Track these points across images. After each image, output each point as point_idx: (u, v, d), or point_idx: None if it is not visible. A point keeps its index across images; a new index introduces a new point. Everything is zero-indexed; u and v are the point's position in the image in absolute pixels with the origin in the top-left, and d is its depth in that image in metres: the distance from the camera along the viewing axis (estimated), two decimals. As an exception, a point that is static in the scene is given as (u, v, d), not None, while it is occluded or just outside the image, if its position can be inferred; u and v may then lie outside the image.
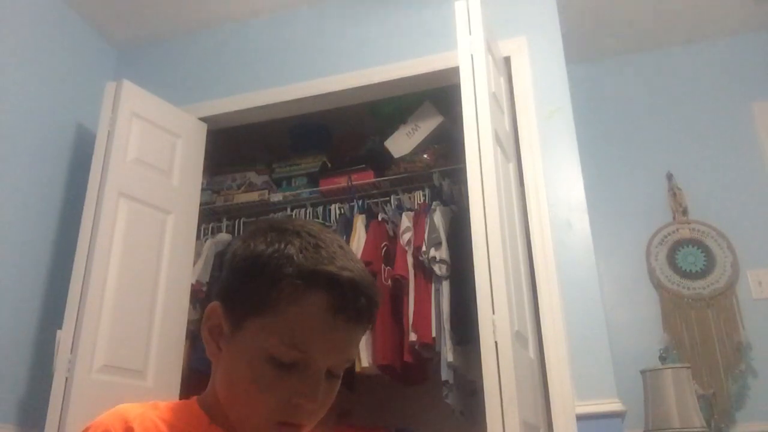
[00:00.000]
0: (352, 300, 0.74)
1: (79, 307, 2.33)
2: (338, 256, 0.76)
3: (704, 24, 3.17)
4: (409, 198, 3.07)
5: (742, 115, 3.11)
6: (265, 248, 0.76)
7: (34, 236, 2.64)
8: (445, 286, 2.64)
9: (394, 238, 2.90)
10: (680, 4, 3.04)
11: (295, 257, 0.74)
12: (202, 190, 3.03)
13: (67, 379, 2.24)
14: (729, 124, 3.11)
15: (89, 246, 2.42)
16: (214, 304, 0.80)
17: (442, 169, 3.00)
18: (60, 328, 2.34)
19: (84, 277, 2.37)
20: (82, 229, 2.46)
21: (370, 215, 3.06)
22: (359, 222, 2.98)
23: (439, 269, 2.64)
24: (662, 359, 2.61)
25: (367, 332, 2.72)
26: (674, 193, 3.03)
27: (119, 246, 2.49)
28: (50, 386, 2.25)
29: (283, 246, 0.75)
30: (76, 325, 2.31)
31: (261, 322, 0.74)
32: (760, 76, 3.14)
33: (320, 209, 3.21)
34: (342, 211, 3.15)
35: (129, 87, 2.69)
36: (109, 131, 2.59)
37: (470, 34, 2.18)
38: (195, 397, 0.85)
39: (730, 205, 2.97)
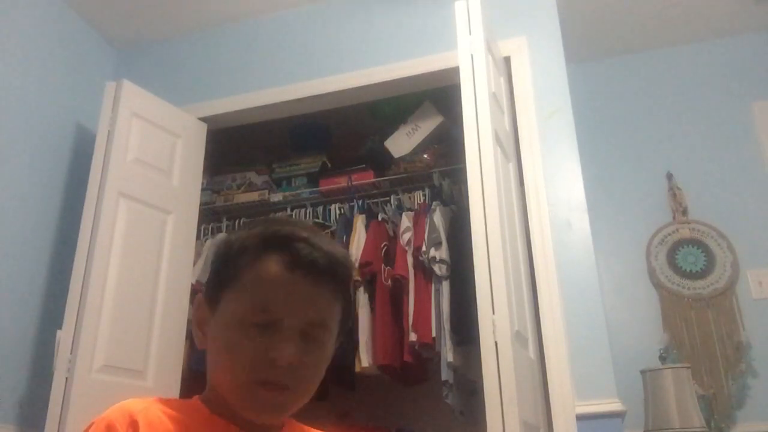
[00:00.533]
0: (307, 258, 0.79)
1: (79, 307, 2.33)
2: (303, 230, 0.82)
3: (704, 24, 3.17)
4: (409, 198, 3.07)
5: (742, 114, 3.11)
6: (237, 236, 0.84)
7: (34, 236, 2.64)
8: (445, 286, 2.64)
9: (394, 238, 2.90)
10: (680, 4, 3.03)
11: (258, 233, 0.82)
12: (202, 190, 3.03)
13: (67, 379, 2.24)
14: (729, 123, 3.11)
15: (89, 246, 2.42)
16: (198, 296, 0.87)
17: (442, 169, 3.01)
18: (60, 328, 2.34)
19: (84, 277, 2.37)
20: (82, 229, 2.46)
21: (370, 215, 3.06)
22: (359, 222, 2.98)
23: (439, 269, 2.64)
24: (662, 359, 2.61)
25: (367, 332, 2.73)
26: (674, 193, 3.03)
27: (119, 246, 2.49)
28: (50, 386, 2.25)
29: (249, 229, 0.84)
30: (76, 325, 2.31)
31: (231, 294, 0.80)
32: (760, 76, 3.14)
33: (320, 209, 3.21)
34: (342, 211, 3.15)
35: (129, 87, 2.69)
36: (109, 131, 2.59)
37: (470, 34, 2.18)
38: (197, 396, 0.87)
39: (730, 205, 2.97)
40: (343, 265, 0.83)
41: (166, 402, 0.84)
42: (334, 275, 0.81)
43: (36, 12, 2.82)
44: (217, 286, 0.83)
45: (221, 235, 3.22)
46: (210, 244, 3.13)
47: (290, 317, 0.78)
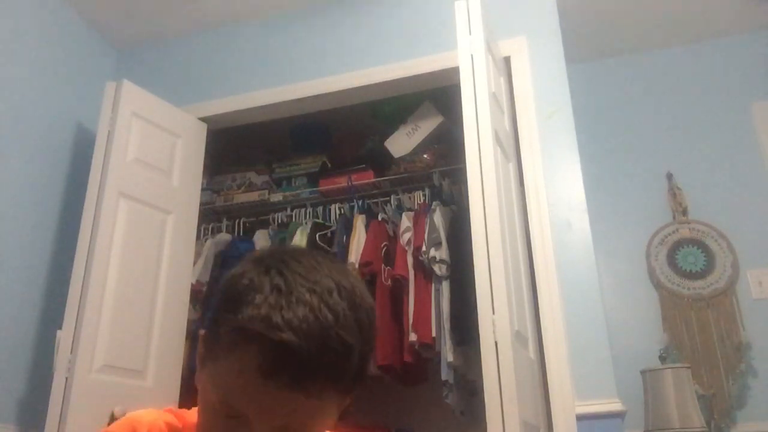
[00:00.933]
0: (284, 367, 0.63)
1: (79, 307, 2.33)
2: (294, 305, 0.65)
3: (704, 24, 3.17)
4: (409, 198, 3.07)
5: (742, 115, 3.11)
6: (233, 284, 0.70)
7: (34, 236, 2.64)
8: (445, 286, 2.64)
9: (394, 238, 2.90)
10: (680, 4, 3.04)
11: (243, 304, 0.66)
12: (202, 190, 3.03)
13: (67, 378, 2.24)
14: (729, 124, 3.11)
15: (89, 246, 2.42)
16: (202, 332, 0.76)
17: (442, 169, 3.01)
18: (60, 328, 2.34)
19: (84, 277, 2.37)
20: (82, 229, 2.47)
21: (370, 215, 3.06)
22: (359, 222, 2.98)
23: (439, 269, 2.64)
24: (662, 359, 2.61)
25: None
26: (674, 193, 3.03)
27: (119, 246, 2.49)
28: (50, 386, 2.25)
29: (245, 284, 0.68)
30: (76, 325, 2.31)
31: (210, 369, 0.69)
32: (759, 77, 3.14)
33: (320, 209, 3.21)
34: (342, 211, 3.15)
35: (129, 87, 2.69)
36: (109, 131, 2.59)
37: (470, 34, 2.18)
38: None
39: (730, 205, 2.98)
40: (340, 354, 0.65)
41: (177, 414, 0.82)
42: (320, 377, 0.64)
43: (36, 12, 2.82)
44: (208, 343, 0.71)
45: (222, 235, 3.22)
46: (210, 244, 3.13)
47: (260, 424, 0.66)
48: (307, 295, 0.66)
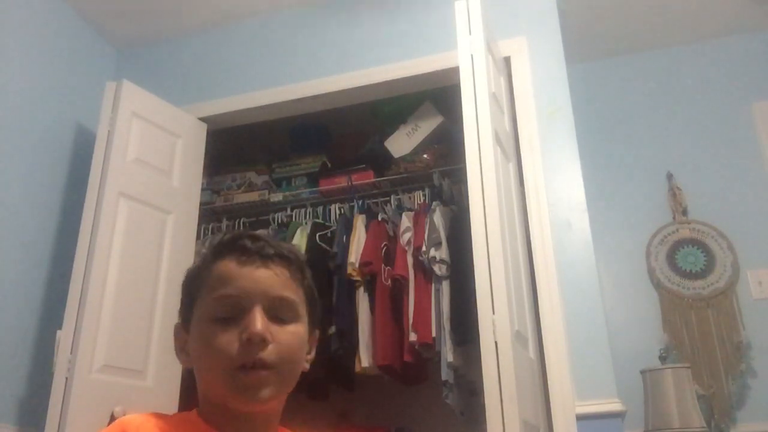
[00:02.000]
0: (254, 247, 0.86)
1: (79, 307, 2.33)
2: (249, 233, 0.89)
3: (704, 24, 3.17)
4: (409, 198, 3.07)
5: (742, 115, 3.11)
6: (190, 270, 0.93)
7: (33, 236, 2.64)
8: (445, 286, 2.64)
9: (394, 238, 2.90)
10: (680, 4, 3.04)
11: (207, 249, 0.90)
12: (202, 190, 3.03)
13: (66, 379, 2.24)
14: (729, 124, 3.12)
15: (89, 246, 2.42)
16: (175, 325, 0.94)
17: (442, 169, 3.01)
18: (60, 328, 2.34)
19: (84, 277, 2.37)
20: (82, 229, 2.46)
21: (370, 215, 3.06)
22: (359, 222, 2.98)
23: (439, 269, 2.64)
24: (662, 359, 2.61)
25: (367, 333, 2.73)
26: (674, 193, 3.03)
27: (119, 246, 2.49)
28: (50, 386, 2.25)
29: (206, 249, 0.91)
30: (76, 325, 2.31)
31: (199, 304, 0.86)
32: (760, 77, 3.14)
33: (320, 209, 3.21)
34: (342, 211, 3.15)
35: (129, 87, 2.69)
36: (109, 131, 2.59)
37: (470, 34, 2.18)
38: (195, 409, 0.89)
39: (730, 205, 2.98)
40: (292, 252, 0.89)
41: (164, 417, 0.85)
42: (284, 259, 0.87)
43: (36, 11, 2.82)
44: (188, 306, 0.89)
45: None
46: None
47: (250, 299, 0.83)
48: (254, 233, 0.91)
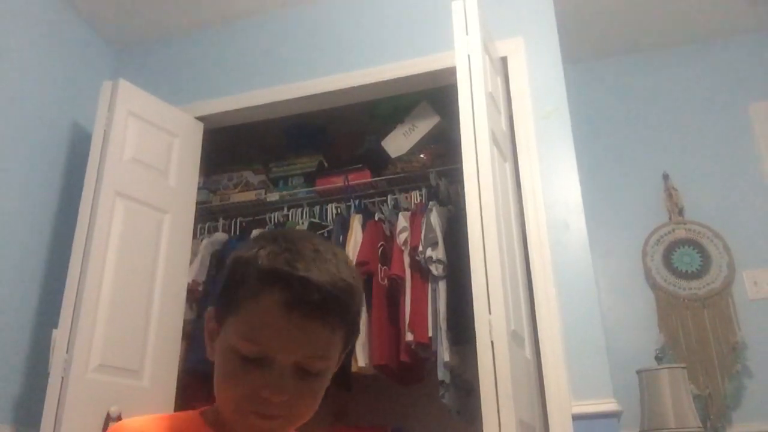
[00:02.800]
0: (306, 297, 0.76)
1: (75, 307, 2.33)
2: (305, 259, 0.78)
3: (700, 26, 3.18)
4: (406, 198, 3.07)
5: (738, 116, 3.12)
6: (242, 254, 0.82)
7: (29, 235, 2.63)
8: (442, 286, 2.64)
9: (391, 238, 2.90)
10: (676, 5, 3.04)
11: (260, 260, 0.79)
12: (199, 189, 3.02)
13: (62, 378, 2.23)
14: (725, 125, 3.12)
15: (85, 245, 2.41)
16: (210, 309, 0.86)
17: (439, 169, 3.01)
18: (56, 327, 2.34)
19: (80, 276, 2.37)
20: (78, 228, 2.46)
21: (367, 215, 3.06)
22: (356, 222, 2.98)
23: (436, 269, 2.65)
24: (658, 359, 2.62)
25: (364, 332, 2.73)
26: (670, 193, 3.04)
27: (115, 245, 2.48)
28: (46, 386, 2.25)
29: (255, 251, 0.80)
30: (72, 324, 2.30)
31: (231, 321, 0.79)
32: (755, 78, 3.15)
33: (317, 209, 3.20)
34: (339, 211, 3.15)
35: (126, 86, 2.68)
36: (105, 130, 2.59)
37: (467, 34, 2.19)
38: (202, 408, 0.88)
39: (726, 205, 2.98)
40: (346, 293, 0.80)
41: (166, 419, 0.85)
42: (333, 308, 0.78)
43: (33, 10, 2.81)
44: (223, 307, 0.82)
45: (218, 235, 3.22)
46: (206, 243, 3.13)
47: (283, 356, 0.76)
48: (312, 254, 0.80)
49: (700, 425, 2.42)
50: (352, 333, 0.85)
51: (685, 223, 3.00)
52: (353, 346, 2.69)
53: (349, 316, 0.81)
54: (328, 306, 0.77)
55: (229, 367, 0.78)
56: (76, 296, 2.34)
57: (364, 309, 2.75)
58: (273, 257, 0.78)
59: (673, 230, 3.01)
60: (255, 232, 3.15)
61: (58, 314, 2.35)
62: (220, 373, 0.80)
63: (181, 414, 0.88)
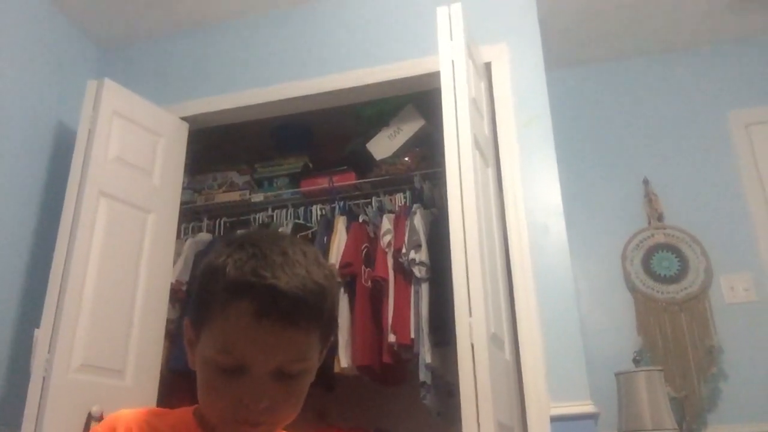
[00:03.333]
0: (274, 305, 0.76)
1: (57, 306, 2.32)
2: (273, 265, 0.78)
3: (682, 33, 3.23)
4: (390, 200, 3.09)
5: (718, 123, 3.17)
6: (210, 263, 0.82)
7: (12, 234, 2.62)
8: (425, 288, 2.66)
9: (375, 240, 2.91)
10: (658, 13, 3.09)
11: (227, 271, 0.78)
12: (183, 189, 3.02)
13: (44, 378, 2.23)
14: (705, 132, 3.18)
15: (68, 245, 2.41)
16: (186, 319, 0.86)
17: (423, 172, 3.03)
18: (38, 326, 2.33)
19: (63, 275, 2.36)
20: (61, 227, 2.45)
21: (352, 217, 3.07)
22: (340, 223, 3.00)
23: (419, 271, 2.67)
24: (636, 362, 2.66)
25: (347, 333, 2.75)
26: (650, 198, 3.08)
27: (99, 245, 2.48)
28: (27, 386, 2.24)
29: (222, 260, 0.80)
30: (54, 323, 2.30)
31: (206, 333, 0.80)
32: (736, 85, 3.20)
33: (301, 210, 3.22)
34: (323, 212, 3.16)
35: (110, 85, 2.68)
36: (89, 130, 2.58)
37: (452, 39, 2.21)
38: (191, 407, 0.88)
39: (705, 211, 3.03)
40: (317, 294, 0.79)
41: (157, 414, 0.86)
42: (305, 312, 0.78)
43: (19, 9, 2.80)
44: (197, 318, 0.82)
45: (202, 235, 3.23)
46: (190, 243, 3.13)
47: (260, 364, 0.77)
48: (279, 257, 0.79)
49: (676, 427, 2.46)
50: (330, 330, 0.86)
51: (664, 228, 3.05)
52: (336, 340, 2.71)
53: (323, 316, 0.81)
54: (299, 311, 0.77)
55: (208, 379, 0.79)
56: (59, 295, 2.33)
57: (347, 310, 2.80)
58: (240, 266, 0.78)
59: (653, 235, 3.05)
60: (239, 233, 3.16)
61: (40, 313, 2.34)
62: (202, 384, 0.80)
63: (176, 411, 0.89)
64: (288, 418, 0.82)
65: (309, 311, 0.78)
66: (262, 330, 0.76)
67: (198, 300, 0.83)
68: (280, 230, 3.07)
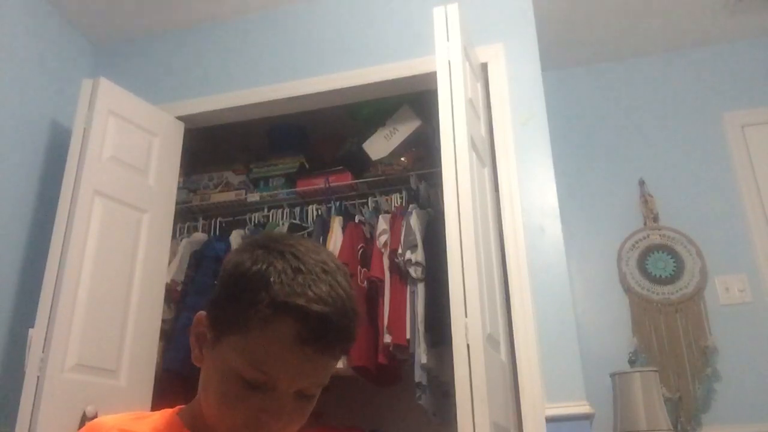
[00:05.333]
0: (320, 334, 0.74)
1: (51, 306, 2.31)
2: (317, 282, 0.76)
3: (678, 35, 3.24)
4: (386, 200, 3.09)
5: (713, 124, 3.18)
6: (249, 268, 0.77)
7: (6, 233, 2.61)
8: (421, 289, 2.67)
9: (371, 240, 2.92)
10: (655, 14, 3.10)
11: (271, 283, 0.75)
12: (179, 188, 3.01)
13: (38, 378, 2.22)
14: (700, 133, 3.18)
15: (63, 244, 2.40)
16: (201, 314, 0.83)
17: (419, 172, 3.03)
18: (32, 326, 2.32)
19: (57, 275, 2.35)
20: (56, 226, 2.44)
21: (348, 217, 3.07)
22: (336, 223, 3.00)
23: (415, 272, 2.67)
24: (631, 362, 2.67)
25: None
26: (646, 199, 3.09)
27: (93, 244, 2.47)
28: (21, 385, 2.23)
29: (264, 268, 0.76)
30: (48, 323, 2.29)
31: (234, 340, 0.76)
32: (731, 87, 3.22)
33: (297, 210, 3.21)
34: (319, 213, 3.16)
35: (106, 84, 2.67)
36: (85, 129, 2.57)
37: (448, 40, 2.21)
38: (179, 407, 0.87)
39: (700, 212, 3.04)
40: (353, 321, 0.79)
41: (138, 418, 0.84)
42: (344, 339, 0.78)
43: (13, 7, 2.79)
44: (224, 323, 0.78)
45: (198, 235, 3.22)
46: (186, 243, 3.12)
47: (289, 385, 0.76)
48: (323, 275, 0.78)
49: (671, 427, 2.47)
50: (349, 349, 0.86)
51: (659, 229, 3.05)
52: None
53: (353, 340, 0.81)
54: (340, 341, 0.77)
55: (227, 389, 0.76)
56: (53, 295, 2.32)
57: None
58: (287, 282, 0.75)
59: (648, 236, 3.06)
60: (235, 234, 3.16)
61: (34, 313, 2.33)
62: (217, 392, 0.78)
63: (157, 413, 0.87)
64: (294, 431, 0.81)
65: (347, 338, 0.79)
66: (302, 355, 0.74)
67: (227, 302, 0.78)
68: (276, 230, 3.07)
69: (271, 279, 0.75)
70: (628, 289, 3.00)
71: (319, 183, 3.17)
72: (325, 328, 0.74)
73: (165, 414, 0.86)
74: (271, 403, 0.75)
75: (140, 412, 0.87)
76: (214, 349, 0.79)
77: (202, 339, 0.82)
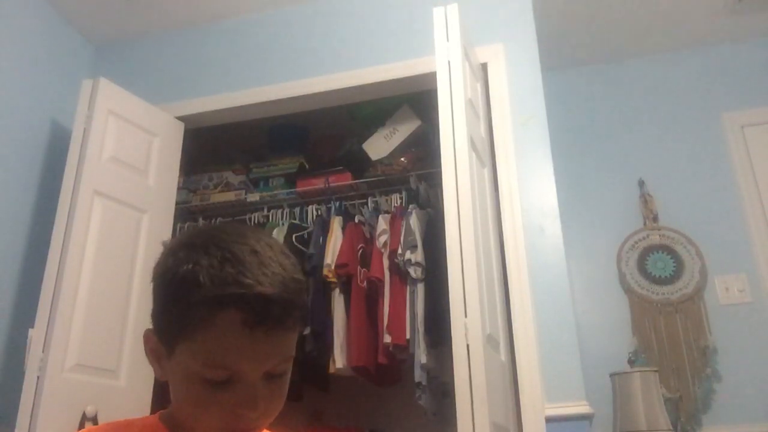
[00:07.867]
0: (265, 314, 0.73)
1: (51, 306, 2.31)
2: (249, 266, 0.74)
3: (677, 35, 3.24)
4: (386, 200, 3.09)
5: (713, 124, 3.18)
6: (176, 272, 0.76)
7: (6, 233, 2.61)
8: (420, 289, 2.67)
9: (371, 241, 2.91)
10: (654, 15, 3.10)
11: (201, 280, 0.73)
12: (178, 188, 3.02)
13: (38, 378, 2.22)
14: (699, 133, 3.19)
15: (63, 244, 2.40)
16: (148, 330, 0.82)
17: (419, 172, 3.03)
18: (32, 326, 2.32)
19: (57, 275, 2.36)
20: (55, 227, 2.44)
21: (347, 217, 3.07)
22: (336, 224, 3.00)
23: (415, 272, 2.67)
24: (631, 363, 2.67)
25: (342, 334, 2.75)
26: (645, 199, 3.09)
27: (93, 245, 2.47)
28: (22, 385, 2.23)
29: (190, 268, 0.74)
30: (48, 323, 2.29)
31: (186, 346, 0.75)
32: (730, 87, 3.22)
33: (297, 210, 3.21)
34: (319, 213, 3.16)
35: (106, 84, 2.67)
36: (84, 129, 2.58)
37: (448, 40, 2.21)
38: (160, 412, 0.86)
39: (700, 212, 3.04)
40: (298, 292, 0.77)
41: (120, 426, 0.84)
42: (292, 311, 0.76)
43: (13, 7, 2.79)
44: (170, 332, 0.77)
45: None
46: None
47: (253, 372, 0.74)
48: (251, 256, 0.75)
49: (671, 428, 2.47)
50: (305, 316, 0.84)
51: (659, 229, 3.06)
52: (331, 341, 2.71)
53: (304, 308, 0.79)
54: (287, 313, 0.75)
55: (196, 394, 0.75)
56: (53, 295, 2.33)
57: (342, 310, 2.80)
58: (216, 275, 0.73)
59: (648, 236, 3.06)
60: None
61: (34, 313, 2.34)
62: (185, 399, 0.77)
63: (138, 420, 0.86)
64: (274, 415, 0.80)
65: (294, 309, 0.76)
66: (254, 339, 0.72)
67: (166, 312, 0.77)
68: (276, 230, 3.06)
69: (200, 278, 0.73)
70: (627, 289, 3.00)
71: (319, 183, 3.17)
72: (268, 307, 0.73)
73: (148, 420, 0.86)
74: (243, 395, 0.74)
75: (124, 420, 0.85)
76: (171, 360, 0.77)
77: (157, 354, 0.81)
